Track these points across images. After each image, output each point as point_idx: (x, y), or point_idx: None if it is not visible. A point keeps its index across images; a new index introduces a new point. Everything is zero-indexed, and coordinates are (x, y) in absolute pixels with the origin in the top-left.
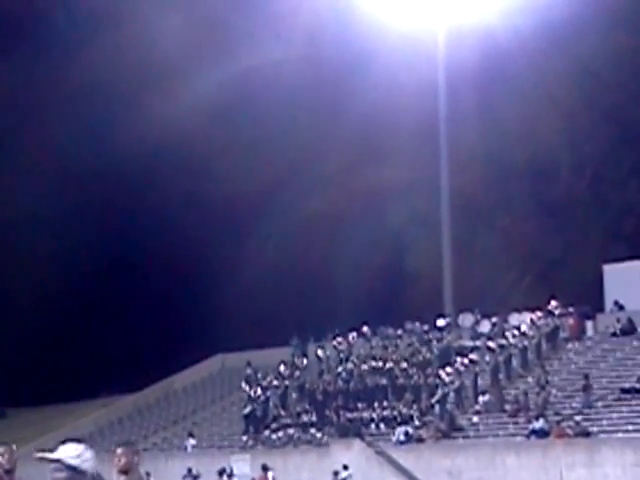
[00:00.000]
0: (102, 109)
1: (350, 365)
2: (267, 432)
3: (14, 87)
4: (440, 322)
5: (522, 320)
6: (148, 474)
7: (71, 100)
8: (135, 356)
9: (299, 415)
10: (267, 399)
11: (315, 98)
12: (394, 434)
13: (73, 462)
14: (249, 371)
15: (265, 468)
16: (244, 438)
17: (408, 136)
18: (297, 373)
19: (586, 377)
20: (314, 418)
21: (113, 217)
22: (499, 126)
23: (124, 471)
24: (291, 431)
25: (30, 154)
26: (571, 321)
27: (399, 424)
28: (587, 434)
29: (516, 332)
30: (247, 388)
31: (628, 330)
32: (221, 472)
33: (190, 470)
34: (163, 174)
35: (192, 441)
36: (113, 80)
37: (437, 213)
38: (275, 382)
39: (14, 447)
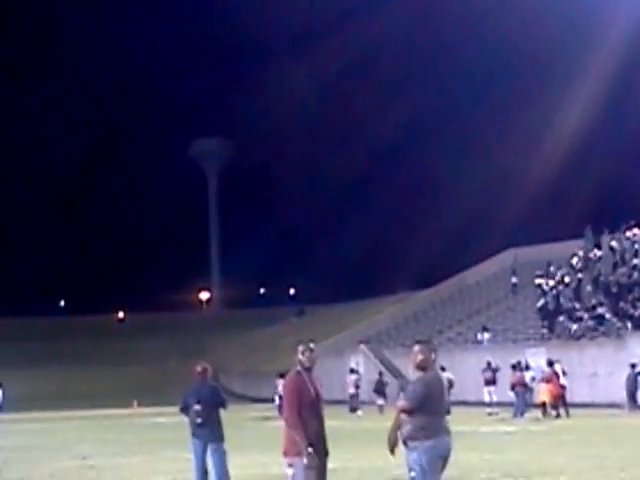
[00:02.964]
0: None
1: None
2: (561, 325)
3: None
4: None
5: None
6: (443, 369)
7: None
8: (429, 252)
9: (594, 308)
10: (560, 292)
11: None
12: None
13: None
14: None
15: (551, 363)
16: (539, 331)
17: None
18: (591, 265)
19: None
20: (609, 310)
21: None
22: None
23: (421, 367)
24: (586, 323)
25: None
26: None
27: None
28: None
29: None
30: (541, 281)
31: None
32: (515, 365)
33: (489, 363)
34: None
35: (487, 335)
36: None
37: None
38: (568, 276)
39: (313, 345)
